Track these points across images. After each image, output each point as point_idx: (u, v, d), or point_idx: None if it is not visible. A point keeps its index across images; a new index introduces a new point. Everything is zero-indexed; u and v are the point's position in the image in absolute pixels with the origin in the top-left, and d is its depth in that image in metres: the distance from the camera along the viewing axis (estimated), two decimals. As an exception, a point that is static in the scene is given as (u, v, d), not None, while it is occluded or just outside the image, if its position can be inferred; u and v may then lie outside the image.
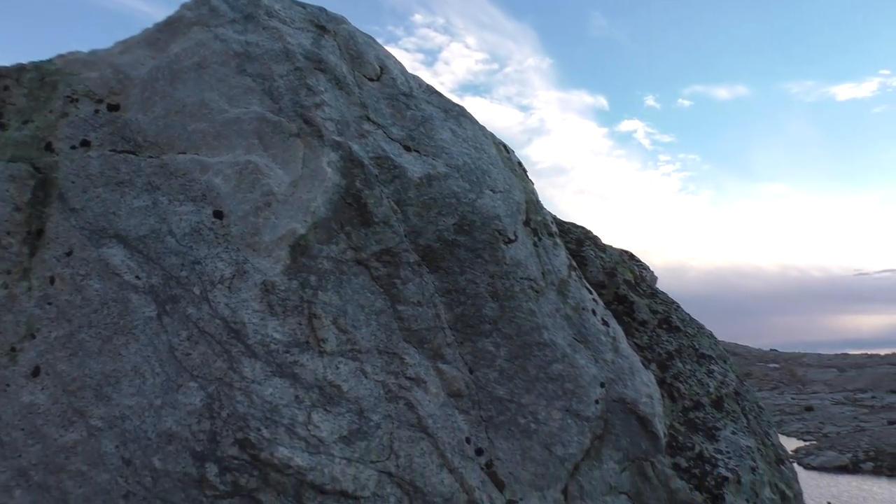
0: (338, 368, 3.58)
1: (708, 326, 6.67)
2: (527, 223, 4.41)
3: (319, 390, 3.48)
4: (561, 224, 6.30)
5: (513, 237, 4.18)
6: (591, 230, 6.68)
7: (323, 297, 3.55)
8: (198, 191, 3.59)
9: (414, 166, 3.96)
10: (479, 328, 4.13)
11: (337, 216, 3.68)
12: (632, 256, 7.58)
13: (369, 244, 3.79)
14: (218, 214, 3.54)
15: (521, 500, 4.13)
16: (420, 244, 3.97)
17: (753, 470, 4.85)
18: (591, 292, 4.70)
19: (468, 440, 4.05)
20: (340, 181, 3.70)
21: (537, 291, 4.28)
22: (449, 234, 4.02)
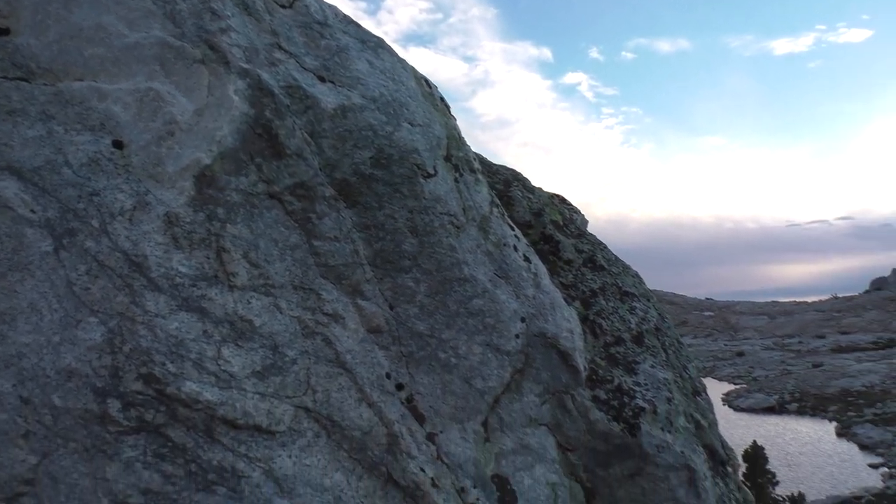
0: (249, 303, 3.50)
1: (647, 277, 6.80)
2: (448, 158, 4.36)
3: (230, 325, 3.41)
4: (489, 165, 6.27)
5: (432, 171, 4.13)
6: (522, 173, 6.67)
7: (232, 230, 3.45)
8: (96, 119, 3.41)
9: (328, 97, 3.84)
10: (398, 264, 4.10)
11: (246, 147, 3.55)
12: (563, 200, 7.63)
13: (282, 177, 3.68)
14: (117, 144, 3.37)
15: (441, 432, 4.18)
16: (336, 178, 3.88)
17: (669, 400, 5.01)
18: (513, 229, 4.71)
19: (388, 375, 4.05)
20: (249, 110, 3.56)
21: (458, 227, 4.26)
22: (366, 168, 3.93)
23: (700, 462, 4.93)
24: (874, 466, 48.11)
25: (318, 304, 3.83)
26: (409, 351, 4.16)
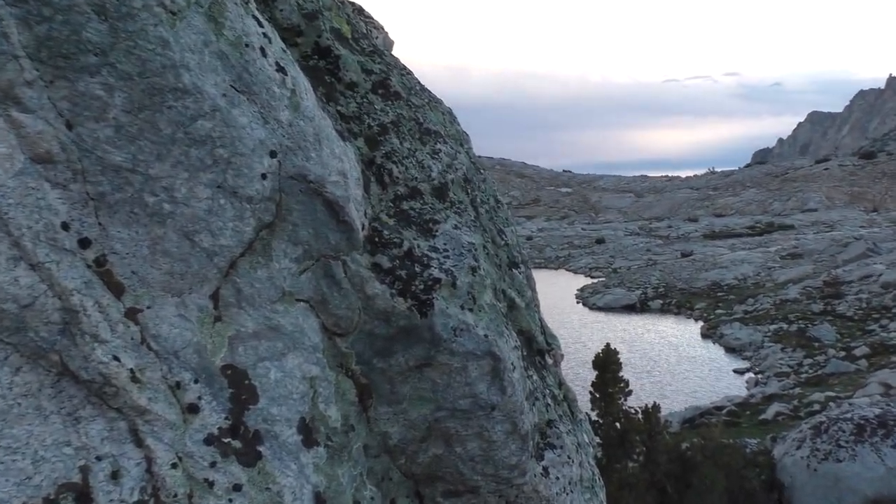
0: None
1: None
2: None
3: None
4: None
5: (127, -80, 3.62)
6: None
7: None
8: None
9: None
10: (79, 61, 3.63)
11: None
12: (360, 10, 7.31)
13: None
14: None
15: (148, 307, 3.90)
16: (-34, -85, 3.29)
17: (474, 271, 5.04)
18: (261, 24, 4.34)
19: (65, 226, 3.66)
20: None
21: (173, 13, 3.82)
22: None
23: (508, 349, 5.07)
24: (740, 372, 54.73)
25: (-58, 113, 3.32)
26: (99, 192, 3.77)
